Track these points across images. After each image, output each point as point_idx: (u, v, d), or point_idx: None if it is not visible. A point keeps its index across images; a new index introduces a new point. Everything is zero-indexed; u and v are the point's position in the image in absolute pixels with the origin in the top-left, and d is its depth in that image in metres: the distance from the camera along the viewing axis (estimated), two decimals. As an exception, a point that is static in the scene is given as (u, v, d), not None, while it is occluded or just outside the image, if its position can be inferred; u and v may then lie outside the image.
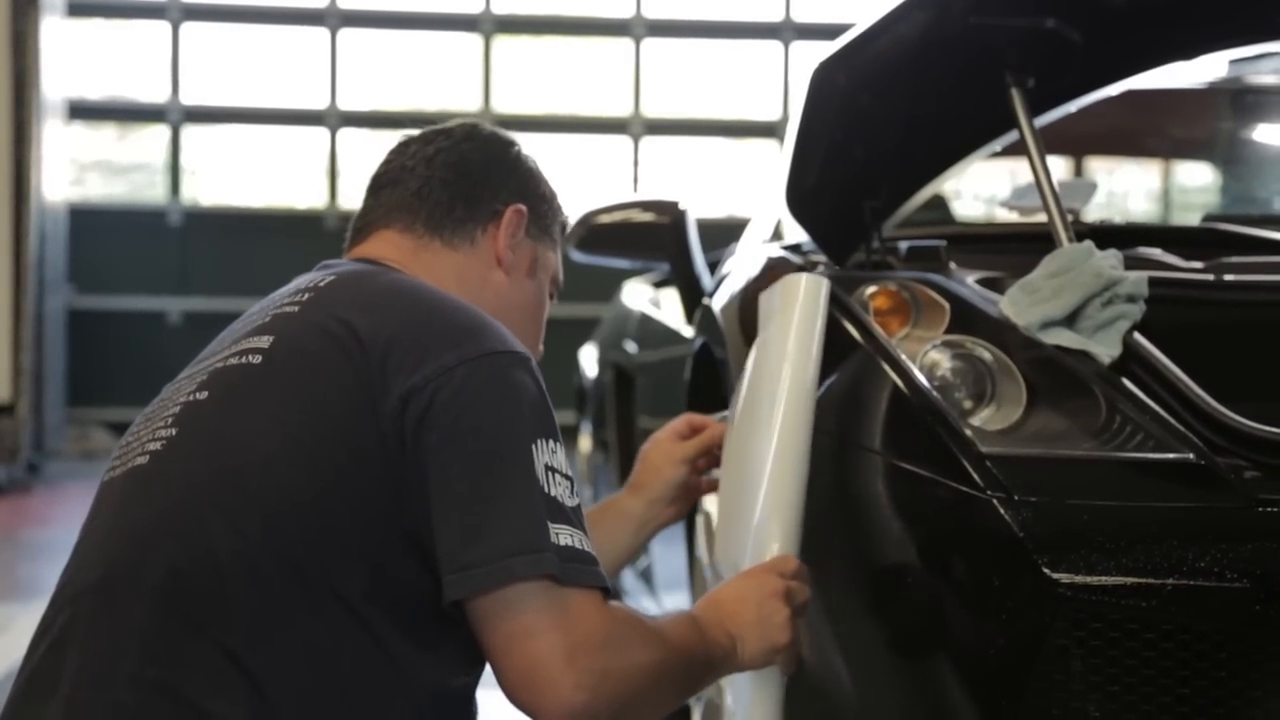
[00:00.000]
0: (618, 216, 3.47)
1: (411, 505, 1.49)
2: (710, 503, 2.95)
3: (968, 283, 2.32)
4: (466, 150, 1.78)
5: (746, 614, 1.69)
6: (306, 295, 1.61)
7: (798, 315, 1.92)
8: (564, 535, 1.48)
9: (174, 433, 1.55)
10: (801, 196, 2.63)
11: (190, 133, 9.37)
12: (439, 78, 9.54)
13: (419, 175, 1.76)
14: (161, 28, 9.26)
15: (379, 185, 1.79)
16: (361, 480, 1.48)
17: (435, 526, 1.47)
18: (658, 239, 3.39)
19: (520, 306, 1.77)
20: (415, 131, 1.82)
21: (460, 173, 1.76)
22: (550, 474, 1.50)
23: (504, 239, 1.76)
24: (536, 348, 1.81)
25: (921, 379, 2.14)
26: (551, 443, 1.52)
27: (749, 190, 8.77)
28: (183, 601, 1.46)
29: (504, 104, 9.45)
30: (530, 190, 1.80)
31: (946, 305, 2.26)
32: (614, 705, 1.48)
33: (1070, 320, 2.10)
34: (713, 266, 3.43)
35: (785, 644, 1.71)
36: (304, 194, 9.50)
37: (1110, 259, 2.15)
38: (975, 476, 1.93)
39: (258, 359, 1.56)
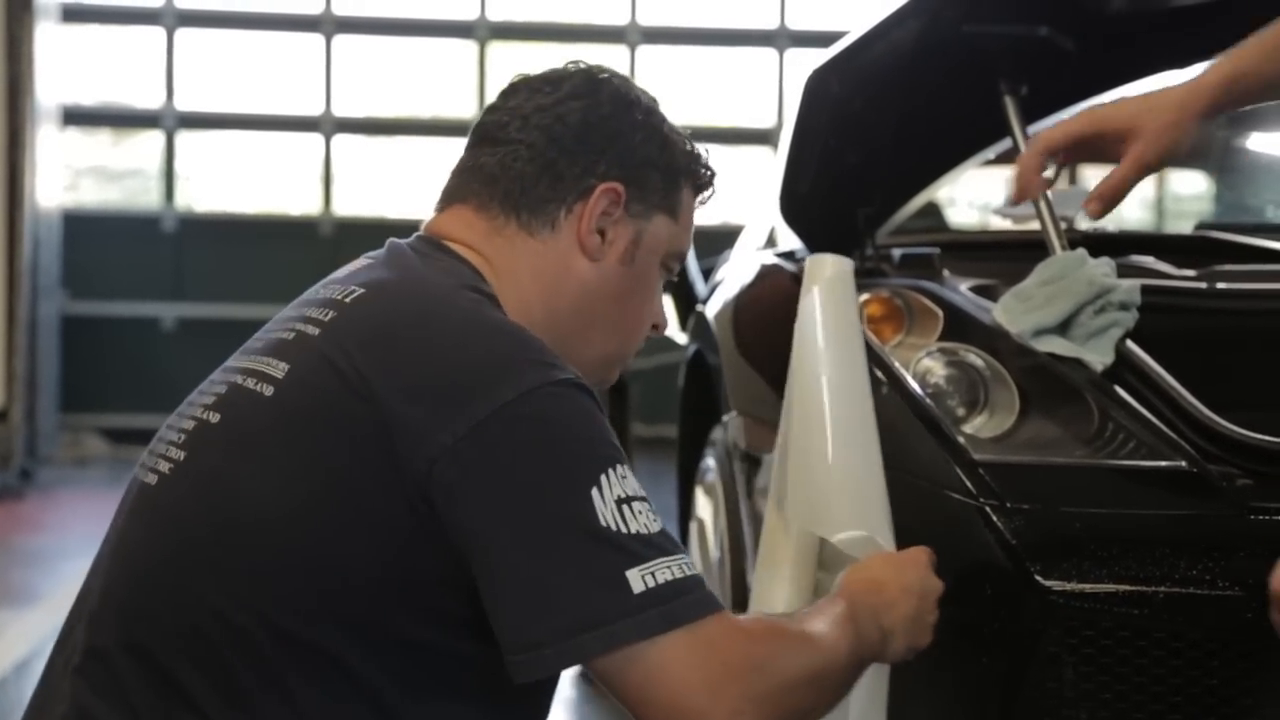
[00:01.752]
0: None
1: (444, 573, 1.32)
2: (704, 510, 2.95)
3: (961, 290, 2.32)
4: (568, 110, 1.51)
5: (906, 609, 1.51)
6: (330, 314, 1.41)
7: (827, 295, 1.80)
8: (658, 571, 1.30)
9: (181, 457, 1.41)
10: (795, 203, 2.64)
11: (185, 138, 9.36)
12: (434, 84, 9.53)
13: (510, 137, 1.51)
14: (156, 33, 9.26)
15: (476, 139, 1.54)
16: (368, 541, 1.32)
17: (490, 602, 1.30)
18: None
19: (610, 297, 1.53)
20: (532, 72, 1.56)
21: (552, 139, 1.50)
22: (623, 508, 1.31)
23: (588, 222, 1.50)
24: (636, 336, 1.59)
25: (915, 386, 2.15)
26: (617, 470, 1.32)
27: (743, 197, 8.77)
28: (161, 662, 1.34)
29: (499, 110, 9.44)
30: (638, 159, 1.52)
31: (940, 313, 2.27)
32: None
33: (1063, 328, 2.10)
34: (707, 273, 3.43)
35: (925, 646, 1.54)
36: (298, 200, 9.50)
37: (1103, 267, 2.15)
38: (968, 484, 1.93)
39: (269, 390, 1.38)
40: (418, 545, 1.32)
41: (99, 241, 8.99)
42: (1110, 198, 1.84)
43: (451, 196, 1.54)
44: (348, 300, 1.42)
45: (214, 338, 9.05)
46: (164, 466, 1.42)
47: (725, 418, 2.74)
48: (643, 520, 1.31)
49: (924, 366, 2.17)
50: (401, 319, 1.38)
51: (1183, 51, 2.66)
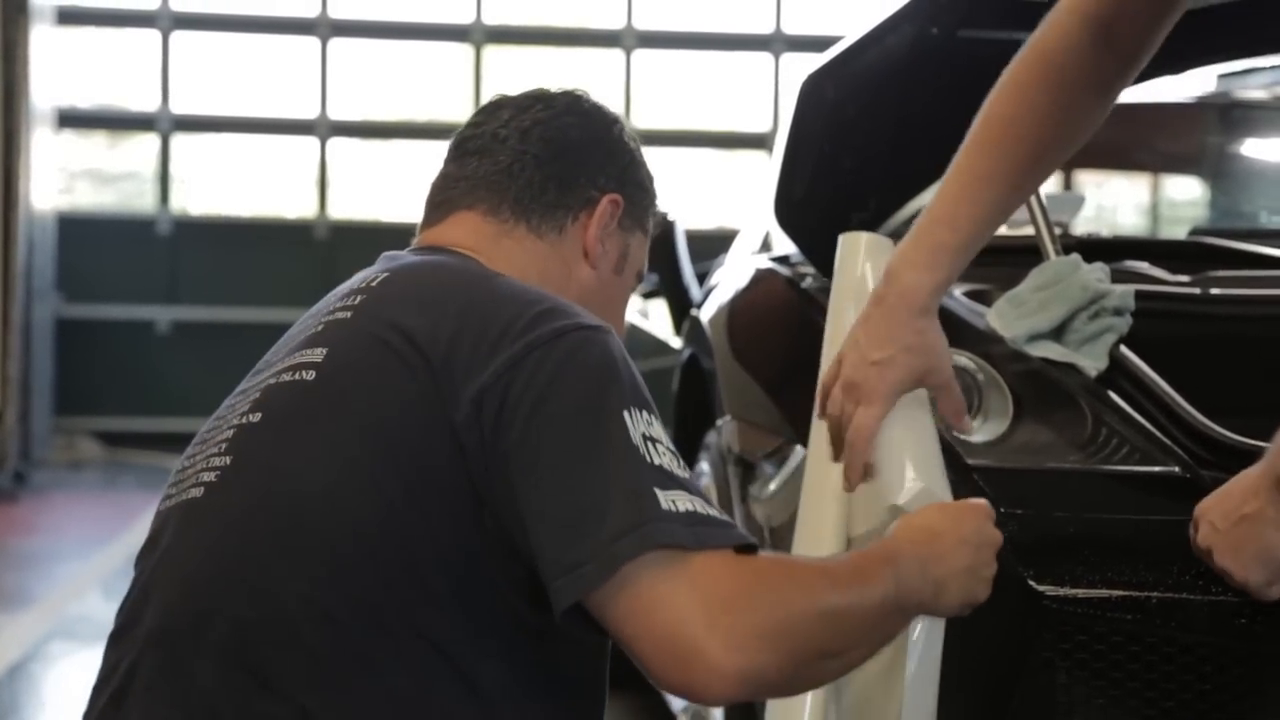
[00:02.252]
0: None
1: (501, 518, 1.33)
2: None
3: (955, 295, 2.32)
4: (568, 124, 1.60)
5: (960, 560, 1.45)
6: (359, 298, 1.45)
7: (864, 271, 1.77)
8: (681, 501, 1.30)
9: (228, 461, 1.41)
10: (790, 208, 2.64)
11: (180, 141, 9.36)
12: (430, 88, 9.54)
13: (511, 148, 1.58)
14: (151, 36, 9.26)
15: (464, 151, 1.60)
16: (437, 503, 1.33)
17: (531, 534, 1.31)
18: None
19: (603, 303, 1.60)
20: (511, 93, 1.64)
21: (558, 151, 1.58)
22: (650, 444, 1.32)
23: (595, 230, 1.59)
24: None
25: (908, 391, 2.14)
26: (646, 414, 1.34)
27: (738, 201, 8.78)
28: (250, 657, 1.32)
29: (494, 114, 9.44)
30: (629, 177, 1.63)
31: (934, 317, 2.26)
32: (784, 662, 1.29)
33: (1057, 333, 2.10)
34: (701, 278, 3.43)
35: (982, 601, 1.48)
36: (294, 203, 9.49)
37: (1097, 272, 2.15)
38: (962, 488, 1.93)
39: (311, 375, 1.40)
40: (480, 498, 1.33)
41: (94, 244, 8.98)
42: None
43: (452, 205, 1.58)
44: (375, 284, 1.47)
45: (209, 341, 9.07)
46: (209, 477, 1.41)
47: (719, 422, 2.74)
48: (668, 460, 1.33)
49: (918, 371, 2.17)
50: (437, 286, 1.44)
51: (1176, 58, 2.66)
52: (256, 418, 1.42)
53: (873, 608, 1.36)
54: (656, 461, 1.32)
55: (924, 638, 1.55)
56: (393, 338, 1.38)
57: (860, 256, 1.77)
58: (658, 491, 1.29)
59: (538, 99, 1.61)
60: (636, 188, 1.64)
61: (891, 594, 1.37)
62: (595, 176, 1.59)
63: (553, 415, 1.32)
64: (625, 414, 1.33)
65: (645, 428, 1.33)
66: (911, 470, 1.61)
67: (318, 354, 1.42)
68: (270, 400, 1.42)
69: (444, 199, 1.59)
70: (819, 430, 1.69)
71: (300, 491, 1.35)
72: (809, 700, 1.59)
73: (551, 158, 1.58)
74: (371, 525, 1.33)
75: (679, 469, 1.34)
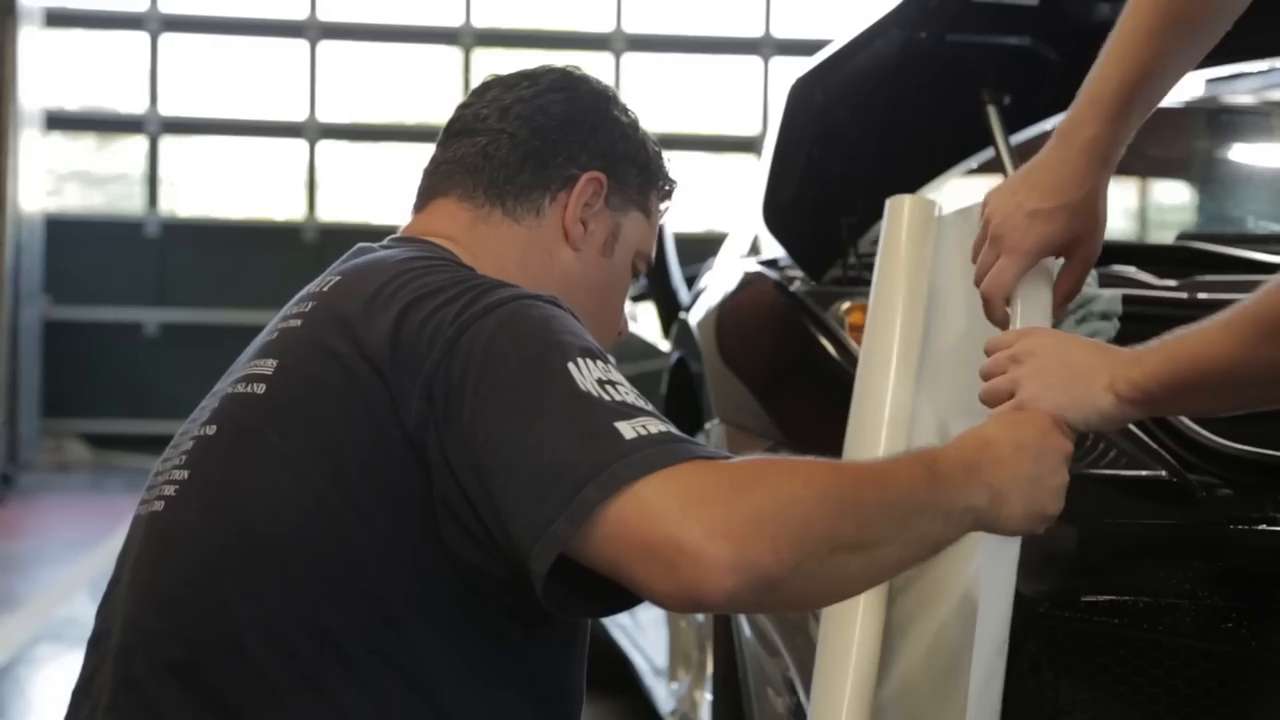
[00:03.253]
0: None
1: (471, 520, 1.27)
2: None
3: (943, 299, 2.32)
4: (550, 101, 1.52)
5: (1021, 466, 1.32)
6: (310, 304, 1.41)
7: (905, 237, 1.70)
8: (651, 424, 1.23)
9: (186, 476, 1.38)
10: (778, 211, 2.64)
11: (169, 144, 9.35)
12: (419, 91, 9.53)
13: (489, 128, 1.51)
14: (140, 38, 9.25)
15: (449, 134, 1.54)
16: (390, 522, 1.29)
17: (503, 510, 1.23)
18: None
19: (590, 287, 1.53)
20: (504, 72, 1.57)
21: (535, 129, 1.51)
22: (606, 386, 1.25)
23: (573, 210, 1.51)
24: (612, 330, 1.58)
25: (897, 395, 2.15)
26: (598, 362, 1.28)
27: (728, 205, 8.78)
28: (202, 680, 1.30)
29: (483, 117, 9.44)
30: (618, 153, 1.53)
31: (922, 321, 2.26)
32: (783, 549, 1.17)
33: (1045, 337, 2.10)
34: (690, 281, 3.43)
35: (1054, 515, 1.35)
36: (283, 206, 9.49)
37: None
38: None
39: (261, 388, 1.36)
40: (435, 509, 1.28)
41: (82, 247, 8.97)
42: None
43: (431, 192, 1.53)
44: (326, 289, 1.42)
45: (197, 344, 9.05)
46: (169, 490, 1.39)
47: (708, 425, 2.74)
48: (630, 397, 1.26)
49: (906, 375, 2.17)
50: (377, 289, 1.37)
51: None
52: (213, 430, 1.38)
53: (897, 500, 1.24)
54: (617, 399, 1.24)
55: (992, 559, 1.44)
56: (340, 345, 1.34)
57: (904, 220, 1.70)
58: (620, 425, 1.22)
59: (525, 76, 1.55)
60: (627, 164, 1.54)
61: (923, 489, 1.25)
62: (577, 154, 1.51)
63: (496, 384, 1.26)
64: (571, 365, 1.26)
65: (601, 374, 1.26)
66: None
67: (269, 365, 1.38)
68: (226, 412, 1.39)
69: (427, 185, 1.55)
70: (857, 418, 1.64)
71: (251, 511, 1.32)
72: (859, 627, 1.52)
73: (529, 136, 1.50)
74: (323, 546, 1.29)
75: (645, 403, 1.26)
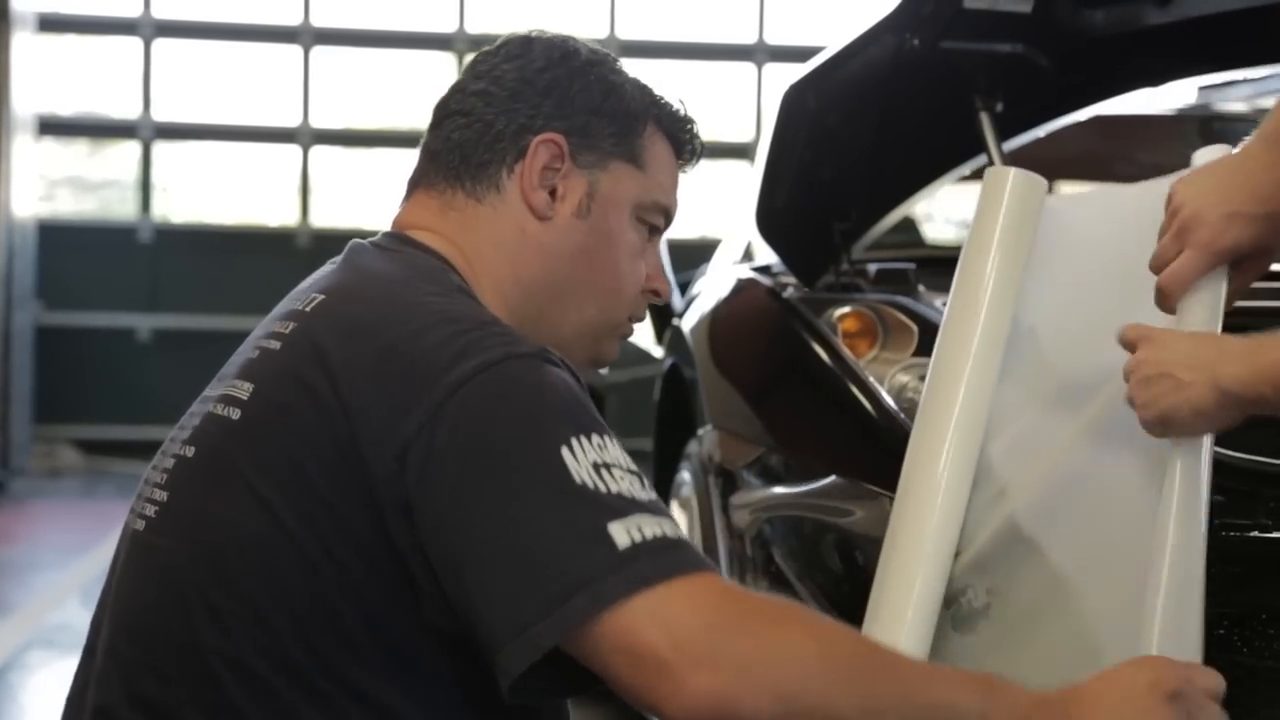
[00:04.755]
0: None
1: (432, 580, 1.23)
2: (679, 524, 2.94)
3: (936, 305, 2.33)
4: (503, 73, 1.45)
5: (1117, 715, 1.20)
6: (291, 326, 1.35)
7: (1003, 214, 1.64)
8: (647, 526, 1.18)
9: (165, 498, 1.35)
10: (771, 218, 2.64)
11: (161, 149, 9.34)
12: (412, 96, 9.53)
13: (449, 111, 1.46)
14: (133, 44, 9.24)
15: (428, 128, 1.49)
16: (359, 561, 1.24)
17: (471, 593, 1.19)
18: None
19: (571, 257, 1.43)
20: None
21: (488, 102, 1.44)
22: (601, 471, 1.20)
23: (529, 178, 1.42)
24: (615, 300, 1.48)
25: (889, 400, 2.15)
26: (594, 438, 1.21)
27: (721, 211, 8.78)
28: (175, 715, 1.28)
29: (477, 123, 9.44)
30: (579, 106, 1.44)
31: (914, 327, 2.27)
32: (763, 702, 1.12)
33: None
34: (684, 287, 3.43)
35: None
36: (276, 211, 9.48)
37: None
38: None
39: (236, 414, 1.32)
40: (404, 558, 1.24)
41: (74, 252, 8.96)
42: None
43: (412, 184, 1.49)
44: (308, 309, 1.36)
45: (189, 349, 9.04)
46: (150, 510, 1.37)
47: (700, 431, 2.74)
48: (625, 485, 1.20)
49: (899, 381, 2.18)
50: (358, 318, 1.31)
51: (1157, 71, 2.67)
52: (190, 452, 1.35)
53: (926, 699, 1.15)
54: (613, 489, 1.19)
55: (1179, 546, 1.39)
56: (314, 377, 1.28)
57: (1005, 194, 1.65)
58: (614, 528, 1.17)
59: (486, 52, 1.48)
60: (592, 117, 1.44)
61: (970, 698, 1.16)
62: (531, 118, 1.42)
63: (482, 469, 1.20)
64: (565, 450, 1.19)
65: (595, 454, 1.20)
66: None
67: (245, 390, 1.33)
68: (204, 434, 1.35)
69: (410, 177, 1.49)
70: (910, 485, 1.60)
71: (223, 545, 1.28)
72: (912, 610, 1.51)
73: (483, 110, 1.43)
74: (293, 583, 1.25)
75: (641, 490, 1.21)
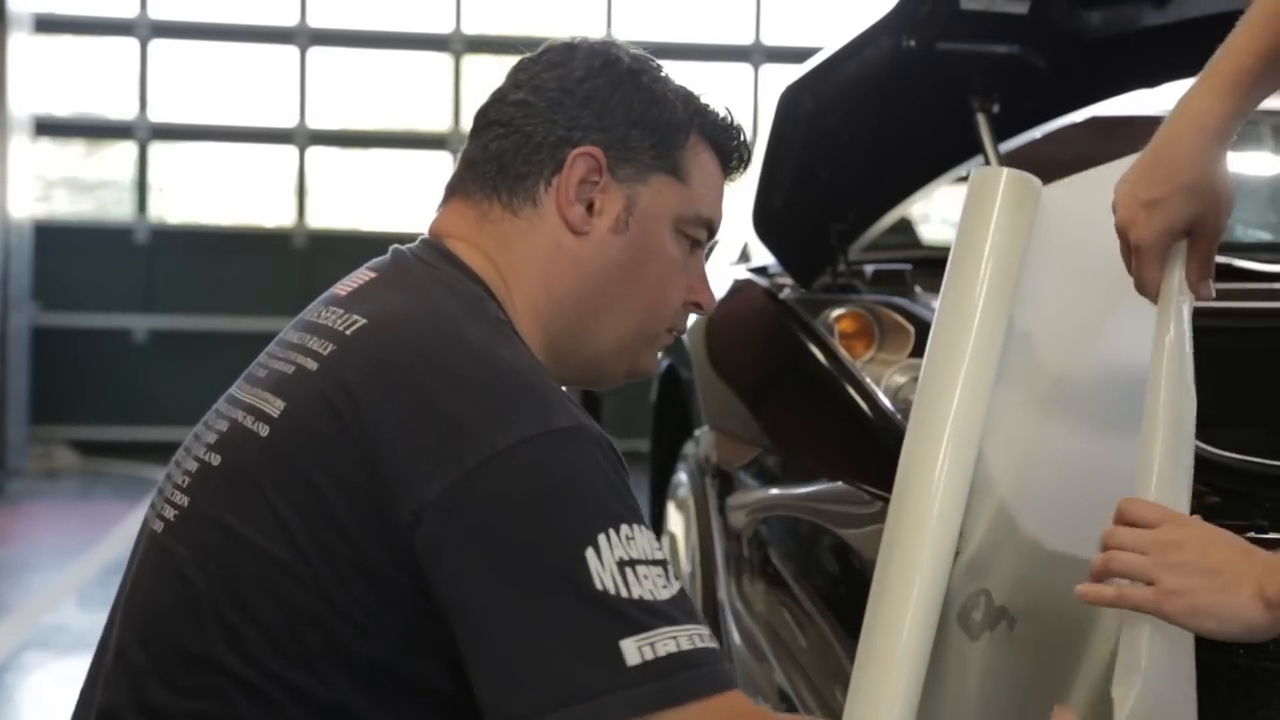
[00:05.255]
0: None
1: (437, 630, 1.23)
2: (675, 524, 2.94)
3: (933, 306, 2.32)
4: (543, 82, 1.43)
5: None
6: (330, 348, 1.32)
7: (995, 217, 1.62)
8: (659, 642, 1.16)
9: (186, 503, 1.33)
10: (768, 219, 2.64)
11: (158, 150, 9.33)
12: (409, 97, 9.53)
13: (489, 121, 1.44)
14: (130, 44, 9.23)
15: (471, 129, 1.47)
16: (366, 596, 1.24)
17: (472, 668, 1.20)
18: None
19: (609, 273, 1.41)
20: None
21: (527, 112, 1.41)
22: (625, 570, 1.17)
23: (566, 193, 1.39)
24: (655, 315, 1.45)
25: (886, 402, 2.15)
26: (623, 530, 1.19)
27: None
28: None
29: (473, 124, 9.44)
30: (620, 117, 1.41)
31: (911, 328, 2.28)
32: None
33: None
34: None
35: None
36: (272, 212, 9.47)
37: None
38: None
39: (265, 430, 1.30)
40: (413, 597, 1.23)
41: (71, 253, 8.95)
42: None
43: (451, 190, 1.47)
44: (349, 332, 1.32)
45: (186, 350, 9.04)
46: (169, 513, 1.35)
47: (697, 432, 2.74)
48: (649, 585, 1.18)
49: (895, 382, 2.18)
50: (401, 357, 1.28)
51: (1154, 71, 2.67)
52: (216, 460, 1.33)
53: None
54: (635, 594, 1.17)
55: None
56: (346, 409, 1.26)
57: (997, 195, 1.62)
58: (625, 645, 1.16)
59: (528, 59, 1.47)
60: (632, 127, 1.41)
61: None
62: (569, 130, 1.40)
63: (500, 557, 1.18)
64: (590, 550, 1.18)
65: (623, 549, 1.18)
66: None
67: (277, 406, 1.31)
68: (231, 444, 1.33)
69: (449, 182, 1.47)
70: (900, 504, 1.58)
71: (236, 558, 1.27)
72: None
73: (522, 121, 1.41)
74: (306, 610, 1.24)
75: (664, 588, 1.19)
